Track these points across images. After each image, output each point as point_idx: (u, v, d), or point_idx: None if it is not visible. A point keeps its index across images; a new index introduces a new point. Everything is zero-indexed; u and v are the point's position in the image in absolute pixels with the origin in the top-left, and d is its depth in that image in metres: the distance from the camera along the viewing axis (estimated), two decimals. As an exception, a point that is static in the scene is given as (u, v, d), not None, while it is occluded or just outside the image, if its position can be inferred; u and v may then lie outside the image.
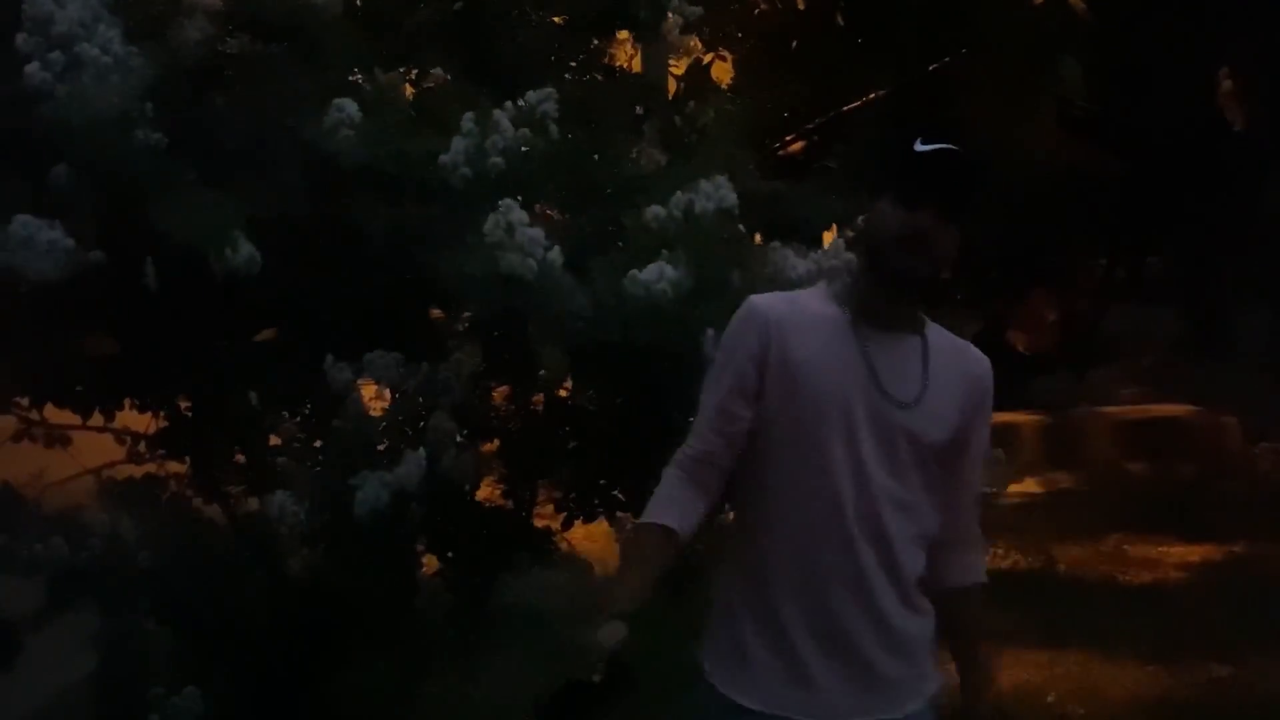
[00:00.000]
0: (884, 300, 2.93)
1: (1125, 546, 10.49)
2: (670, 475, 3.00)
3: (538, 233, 4.00)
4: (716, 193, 4.26)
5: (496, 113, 4.30)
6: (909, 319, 2.97)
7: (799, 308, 3.00)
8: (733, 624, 3.00)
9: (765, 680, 2.94)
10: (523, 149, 4.28)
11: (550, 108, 4.42)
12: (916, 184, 2.83)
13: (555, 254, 4.02)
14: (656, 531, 2.91)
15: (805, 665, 2.90)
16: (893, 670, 2.94)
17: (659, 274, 3.98)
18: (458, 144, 4.24)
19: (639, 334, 4.01)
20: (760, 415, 2.95)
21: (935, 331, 3.02)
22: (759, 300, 3.03)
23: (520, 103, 4.41)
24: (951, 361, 2.98)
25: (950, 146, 2.83)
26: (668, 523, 2.91)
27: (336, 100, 4.28)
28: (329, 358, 4.39)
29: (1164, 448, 12.92)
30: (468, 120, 4.27)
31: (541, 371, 5.05)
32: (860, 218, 3.10)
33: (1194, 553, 10.29)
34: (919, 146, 2.84)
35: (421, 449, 4.24)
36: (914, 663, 2.99)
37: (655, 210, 4.24)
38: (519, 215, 3.99)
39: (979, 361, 3.06)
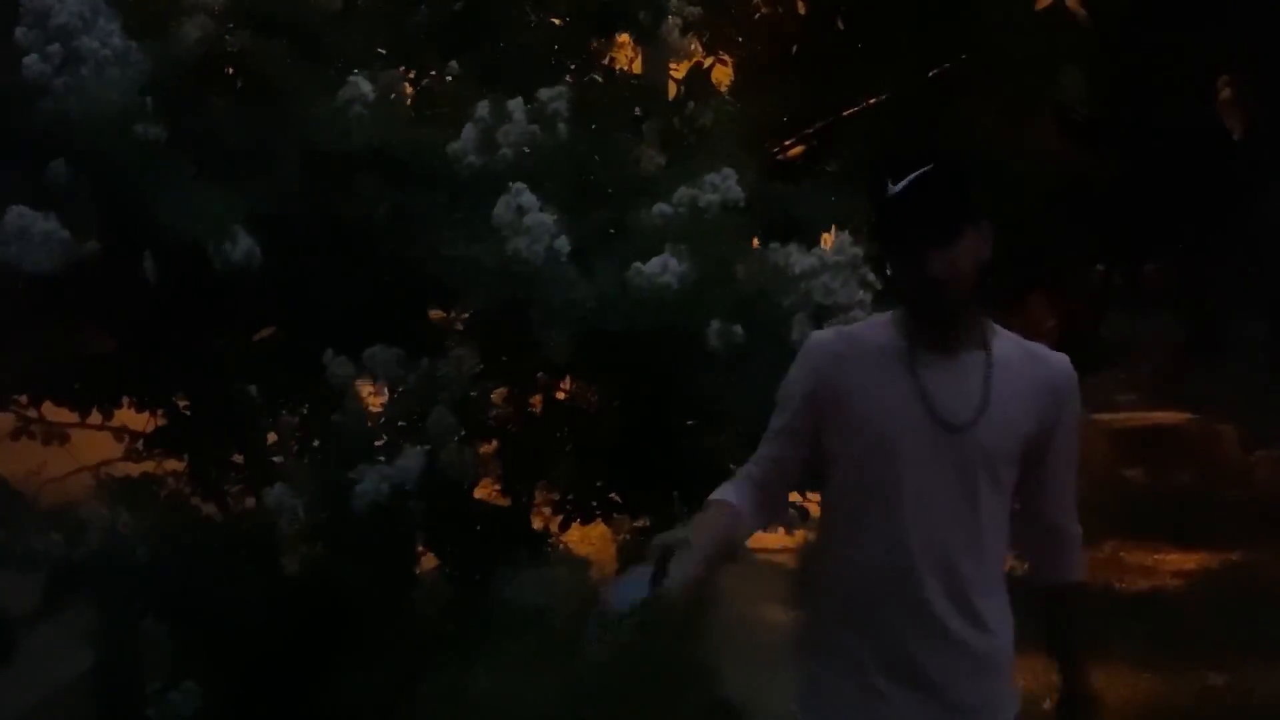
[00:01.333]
0: (931, 329, 2.91)
1: (1121, 553, 10.48)
2: (730, 481, 3.08)
3: (546, 218, 3.99)
4: (723, 184, 4.26)
5: (510, 103, 4.30)
6: (966, 337, 2.93)
7: (856, 340, 3.01)
8: (811, 656, 3.07)
9: (839, 710, 2.99)
10: (527, 148, 4.28)
11: (561, 106, 4.43)
12: (904, 227, 2.81)
13: (562, 242, 4.01)
14: (718, 502, 2.98)
15: (877, 694, 2.92)
16: (966, 695, 2.94)
17: (663, 266, 3.98)
18: (469, 131, 4.24)
19: (642, 322, 4.01)
20: (827, 452, 2.98)
21: (1003, 342, 2.98)
22: (816, 336, 3.09)
23: (531, 102, 4.42)
24: (1021, 370, 2.93)
25: (919, 173, 2.79)
26: (727, 497, 2.98)
27: (351, 78, 4.29)
28: (329, 352, 4.38)
29: (1161, 455, 12.91)
30: (482, 107, 4.27)
31: (540, 373, 5.06)
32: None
33: (1190, 560, 10.28)
34: (891, 189, 2.80)
35: (420, 445, 4.24)
36: (988, 685, 2.98)
37: (661, 207, 4.24)
38: (529, 199, 3.99)
39: (1053, 364, 3.00)
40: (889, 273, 3.03)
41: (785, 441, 3.03)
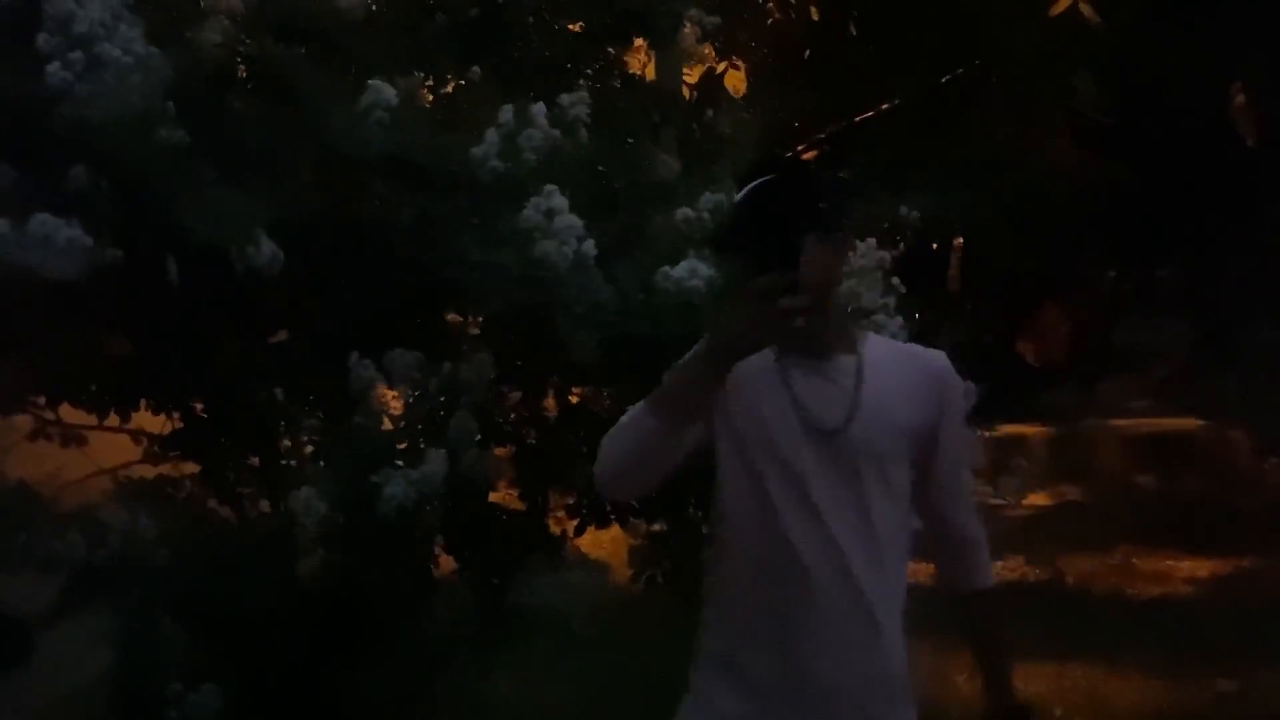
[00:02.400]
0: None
1: (1133, 559, 10.49)
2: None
3: (575, 220, 4.01)
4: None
5: (534, 108, 4.32)
6: (835, 342, 2.92)
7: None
8: (704, 672, 2.99)
9: None
10: (549, 153, 4.30)
11: (582, 111, 4.44)
12: (743, 235, 2.76)
13: (589, 245, 4.03)
14: None
15: (771, 710, 2.87)
16: (863, 708, 2.89)
17: (691, 271, 3.99)
18: (491, 136, 4.26)
19: (669, 327, 4.02)
20: (718, 469, 2.94)
21: (875, 345, 2.98)
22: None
23: (553, 107, 4.43)
24: (896, 370, 2.93)
25: (758, 182, 2.75)
26: None
27: (372, 83, 4.30)
28: (353, 355, 4.40)
29: (1173, 461, 12.92)
30: (505, 112, 4.29)
31: (554, 377, 5.08)
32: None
33: (1202, 566, 10.28)
34: (737, 198, 2.78)
35: (440, 449, 4.26)
36: (885, 697, 2.93)
37: (684, 211, 4.26)
38: (559, 201, 4.00)
39: (930, 360, 3.00)
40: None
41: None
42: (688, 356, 2.81)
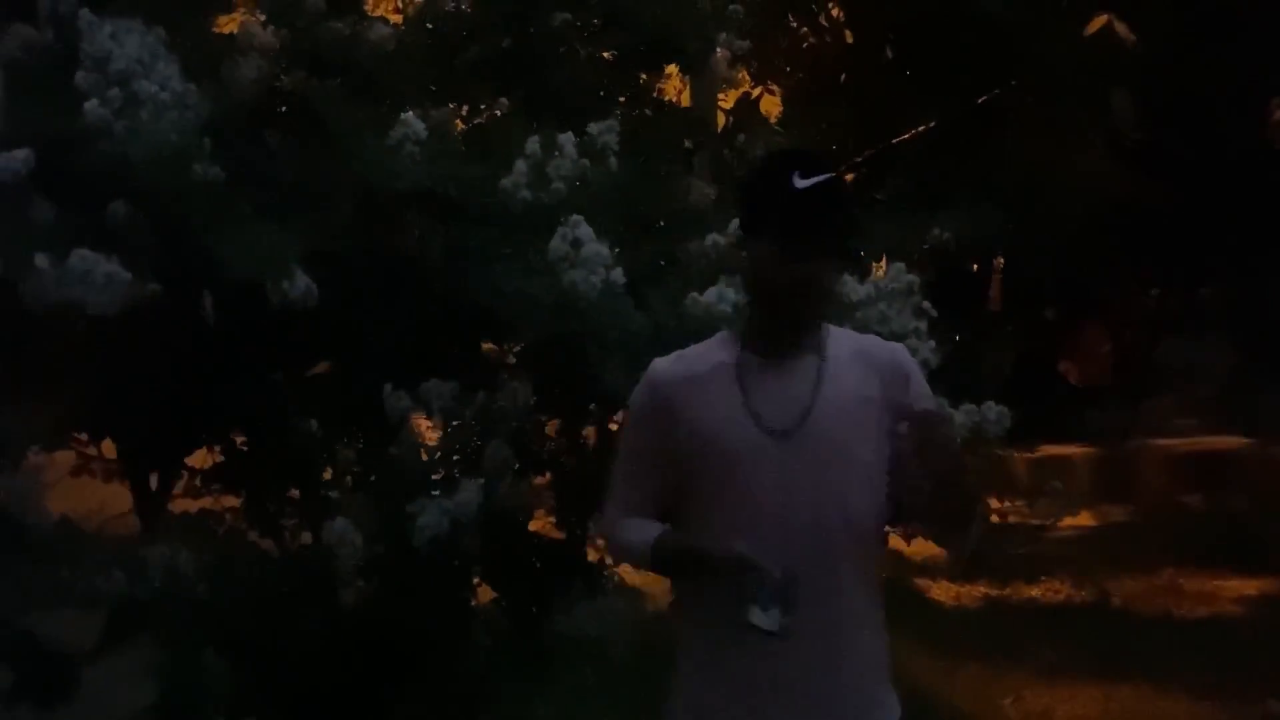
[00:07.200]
0: (774, 336, 2.86)
1: (1179, 580, 10.40)
2: (619, 526, 3.00)
3: (602, 249, 4.01)
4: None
5: (561, 137, 4.34)
6: (802, 344, 2.88)
7: (695, 362, 2.91)
8: (691, 683, 2.94)
9: None
10: (577, 182, 4.31)
11: (611, 139, 4.45)
12: (799, 225, 2.72)
13: (618, 274, 4.03)
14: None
15: (763, 712, 2.82)
16: (851, 703, 2.86)
17: (719, 296, 4.00)
18: (520, 166, 4.27)
19: None
20: (680, 477, 2.89)
21: (836, 339, 2.93)
22: (656, 364, 2.96)
23: (583, 135, 4.45)
24: (855, 362, 2.88)
25: (828, 176, 2.73)
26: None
27: (403, 116, 4.32)
28: (387, 386, 4.41)
29: (1218, 480, 12.80)
30: (532, 143, 4.30)
31: (592, 404, 5.08)
32: (742, 254, 2.95)
33: (1249, 586, 10.19)
34: (798, 183, 2.72)
35: (477, 478, 4.26)
36: (872, 691, 2.90)
37: (715, 237, 4.26)
38: (585, 231, 4.01)
39: (886, 350, 2.98)
40: (754, 274, 2.83)
41: (643, 470, 2.95)
42: (680, 546, 2.87)
